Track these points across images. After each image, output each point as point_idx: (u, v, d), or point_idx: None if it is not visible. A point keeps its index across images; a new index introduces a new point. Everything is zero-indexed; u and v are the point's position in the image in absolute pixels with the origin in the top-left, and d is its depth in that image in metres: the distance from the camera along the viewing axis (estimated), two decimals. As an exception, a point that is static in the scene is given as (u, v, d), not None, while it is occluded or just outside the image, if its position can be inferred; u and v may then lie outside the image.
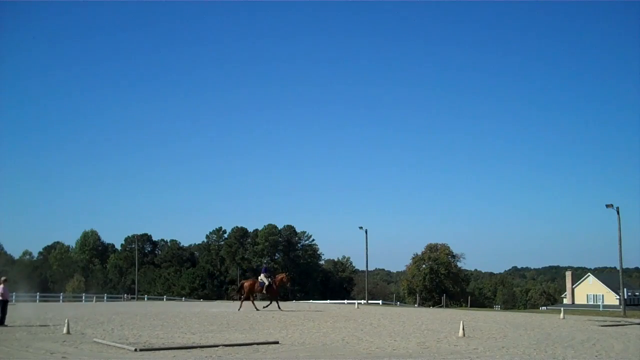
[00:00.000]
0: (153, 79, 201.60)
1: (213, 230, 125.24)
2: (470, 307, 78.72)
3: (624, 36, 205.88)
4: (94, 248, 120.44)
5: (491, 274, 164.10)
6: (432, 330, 20.38)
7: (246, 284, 34.31)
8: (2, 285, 21.30)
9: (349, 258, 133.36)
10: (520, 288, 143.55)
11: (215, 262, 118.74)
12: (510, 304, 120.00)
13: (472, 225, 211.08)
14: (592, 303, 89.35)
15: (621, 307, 41.12)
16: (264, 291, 33.73)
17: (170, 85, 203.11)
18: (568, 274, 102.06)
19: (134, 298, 76.96)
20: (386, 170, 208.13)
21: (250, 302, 34.01)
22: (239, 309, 32.33)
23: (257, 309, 32.66)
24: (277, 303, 33.97)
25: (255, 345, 14.79)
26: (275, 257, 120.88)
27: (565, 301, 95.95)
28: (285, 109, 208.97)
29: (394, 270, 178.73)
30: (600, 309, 67.54)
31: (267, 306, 33.76)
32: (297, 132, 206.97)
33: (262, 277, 33.96)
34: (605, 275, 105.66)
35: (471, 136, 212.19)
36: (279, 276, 35.03)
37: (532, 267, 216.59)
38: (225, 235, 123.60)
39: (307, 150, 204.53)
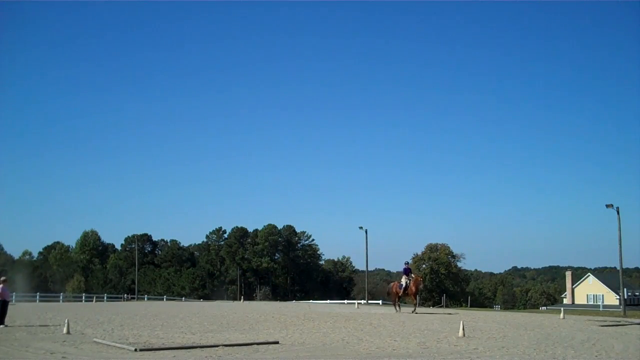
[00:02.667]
0: (153, 79, 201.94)
1: (213, 230, 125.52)
2: (470, 307, 78.74)
3: (624, 36, 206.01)
4: (94, 248, 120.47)
5: (491, 274, 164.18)
6: (432, 330, 20.36)
7: (392, 285, 34.47)
8: (1, 285, 21.30)
9: (349, 258, 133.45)
10: (520, 288, 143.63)
11: (215, 262, 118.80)
12: (510, 304, 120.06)
13: (472, 225, 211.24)
14: (592, 303, 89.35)
15: (621, 307, 41.11)
16: (401, 293, 33.18)
17: (170, 85, 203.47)
18: (568, 274, 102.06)
19: (134, 298, 76.97)
20: (386, 170, 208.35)
21: (397, 304, 34.29)
22: (397, 311, 33.02)
23: (398, 311, 32.85)
24: (415, 306, 33.92)
25: (255, 345, 14.78)
26: (275, 257, 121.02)
27: (565, 301, 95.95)
28: (285, 109, 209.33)
29: (394, 270, 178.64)
30: (600, 309, 67.55)
31: (413, 310, 33.18)
32: (297, 132, 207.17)
33: (403, 279, 33.12)
34: (605, 275, 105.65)
35: (471, 136, 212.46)
36: (415, 278, 33.26)
37: (532, 267, 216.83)
38: (225, 235, 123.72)
39: (307, 150, 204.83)
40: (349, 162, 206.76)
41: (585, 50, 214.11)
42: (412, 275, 33.53)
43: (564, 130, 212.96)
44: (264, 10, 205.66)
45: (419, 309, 34.15)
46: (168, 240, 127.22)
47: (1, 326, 20.12)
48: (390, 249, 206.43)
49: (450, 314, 32.74)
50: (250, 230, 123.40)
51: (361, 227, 62.09)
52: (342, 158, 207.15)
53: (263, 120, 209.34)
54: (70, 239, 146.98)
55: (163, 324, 22.26)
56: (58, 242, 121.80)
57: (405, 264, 35.47)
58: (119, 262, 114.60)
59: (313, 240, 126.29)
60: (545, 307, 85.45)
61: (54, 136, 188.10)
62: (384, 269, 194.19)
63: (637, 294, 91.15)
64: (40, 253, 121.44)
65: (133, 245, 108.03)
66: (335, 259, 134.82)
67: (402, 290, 32.84)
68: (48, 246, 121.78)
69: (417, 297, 33.97)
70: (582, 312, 42.51)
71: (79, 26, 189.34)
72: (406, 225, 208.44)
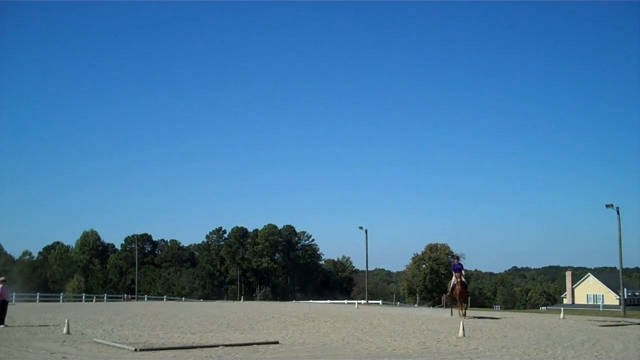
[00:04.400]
0: (153, 78, 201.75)
1: (213, 230, 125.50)
2: (470, 307, 78.63)
3: (624, 36, 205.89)
4: (94, 248, 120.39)
5: (491, 274, 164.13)
6: (432, 330, 20.37)
7: (448, 284, 29.57)
8: (1, 285, 21.30)
9: (349, 258, 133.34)
10: (520, 288, 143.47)
11: (215, 262, 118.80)
12: (510, 304, 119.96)
13: (472, 225, 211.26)
14: (592, 303, 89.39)
15: (621, 307, 41.12)
16: (450, 293, 28.98)
17: (170, 85, 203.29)
18: (568, 274, 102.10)
19: (134, 298, 76.98)
20: (386, 170, 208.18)
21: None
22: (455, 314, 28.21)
23: (461, 315, 27.55)
24: (462, 308, 28.23)
25: (255, 345, 14.79)
26: (275, 257, 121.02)
27: (565, 301, 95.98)
28: (285, 109, 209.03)
29: (394, 270, 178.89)
30: (600, 309, 67.57)
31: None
32: (296, 132, 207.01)
33: (454, 277, 28.53)
34: (605, 275, 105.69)
35: (471, 136, 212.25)
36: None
37: (532, 267, 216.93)
38: (225, 235, 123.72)
39: (307, 150, 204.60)
40: (348, 162, 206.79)
41: (585, 50, 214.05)
42: (463, 272, 28.48)
43: (564, 130, 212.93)
44: (264, 10, 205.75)
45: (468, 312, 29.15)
46: (168, 240, 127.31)
47: (1, 326, 20.13)
48: (390, 249, 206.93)
49: (496, 318, 28.96)
50: (250, 230, 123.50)
51: (361, 227, 62.22)
52: (342, 158, 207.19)
53: (263, 120, 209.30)
54: (70, 239, 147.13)
55: (163, 324, 22.27)
56: (58, 242, 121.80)
57: (455, 258, 31.12)
58: (119, 262, 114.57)
59: (313, 240, 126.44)
60: (545, 307, 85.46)
61: (54, 136, 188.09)
62: (384, 269, 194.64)
63: (637, 294, 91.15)
64: (40, 253, 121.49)
65: (133, 245, 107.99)
66: (335, 259, 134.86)
67: (451, 291, 28.59)
68: (48, 246, 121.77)
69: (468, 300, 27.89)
70: (582, 312, 42.50)
71: (79, 26, 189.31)
72: (406, 225, 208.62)
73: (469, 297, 28.34)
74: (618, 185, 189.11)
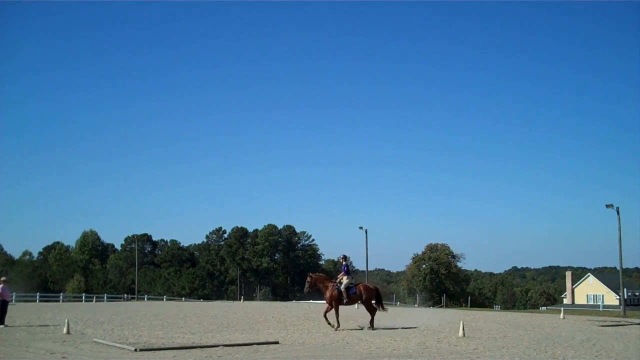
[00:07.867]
0: (153, 78, 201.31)
1: (213, 230, 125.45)
2: (470, 307, 78.77)
3: (624, 36, 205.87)
4: (93, 248, 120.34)
5: (491, 274, 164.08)
6: (432, 330, 20.38)
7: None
8: (1, 285, 21.31)
9: (349, 258, 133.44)
10: (520, 288, 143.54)
11: (215, 262, 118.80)
12: (510, 304, 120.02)
13: (472, 225, 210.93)
14: (592, 303, 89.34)
15: (621, 307, 41.14)
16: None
17: (170, 85, 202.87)
18: (568, 274, 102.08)
19: (134, 298, 76.97)
20: (386, 170, 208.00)
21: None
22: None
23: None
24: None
25: (255, 345, 14.79)
26: (275, 257, 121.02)
27: (565, 301, 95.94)
28: (285, 109, 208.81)
29: (394, 270, 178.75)
30: (600, 309, 67.54)
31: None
32: (296, 132, 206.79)
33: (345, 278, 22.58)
34: (605, 275, 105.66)
35: (471, 136, 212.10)
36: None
37: (532, 267, 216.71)
38: (225, 235, 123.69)
39: (307, 150, 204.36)
40: (348, 162, 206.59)
41: (585, 50, 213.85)
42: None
43: (564, 130, 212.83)
44: (264, 10, 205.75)
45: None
46: (168, 240, 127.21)
47: (1, 326, 20.13)
48: (390, 249, 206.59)
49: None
50: (250, 230, 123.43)
51: (361, 227, 62.21)
52: (342, 158, 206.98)
53: (263, 120, 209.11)
54: (70, 239, 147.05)
55: (163, 324, 22.28)
56: (58, 242, 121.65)
57: (342, 259, 24.68)
58: (119, 262, 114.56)
59: (313, 240, 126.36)
60: (545, 307, 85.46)
61: (54, 136, 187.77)
62: (384, 269, 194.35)
63: (637, 294, 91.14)
64: (40, 253, 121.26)
65: (133, 245, 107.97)
66: (335, 259, 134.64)
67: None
68: (48, 246, 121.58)
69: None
70: (582, 312, 42.54)
71: (78, 26, 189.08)
72: (406, 225, 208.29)
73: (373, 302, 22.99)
74: (618, 185, 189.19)
